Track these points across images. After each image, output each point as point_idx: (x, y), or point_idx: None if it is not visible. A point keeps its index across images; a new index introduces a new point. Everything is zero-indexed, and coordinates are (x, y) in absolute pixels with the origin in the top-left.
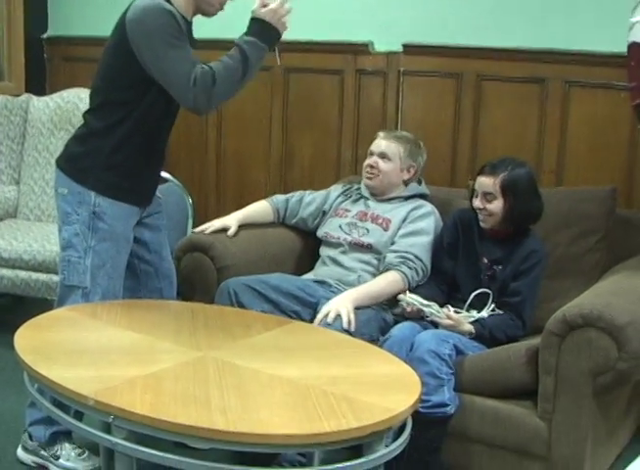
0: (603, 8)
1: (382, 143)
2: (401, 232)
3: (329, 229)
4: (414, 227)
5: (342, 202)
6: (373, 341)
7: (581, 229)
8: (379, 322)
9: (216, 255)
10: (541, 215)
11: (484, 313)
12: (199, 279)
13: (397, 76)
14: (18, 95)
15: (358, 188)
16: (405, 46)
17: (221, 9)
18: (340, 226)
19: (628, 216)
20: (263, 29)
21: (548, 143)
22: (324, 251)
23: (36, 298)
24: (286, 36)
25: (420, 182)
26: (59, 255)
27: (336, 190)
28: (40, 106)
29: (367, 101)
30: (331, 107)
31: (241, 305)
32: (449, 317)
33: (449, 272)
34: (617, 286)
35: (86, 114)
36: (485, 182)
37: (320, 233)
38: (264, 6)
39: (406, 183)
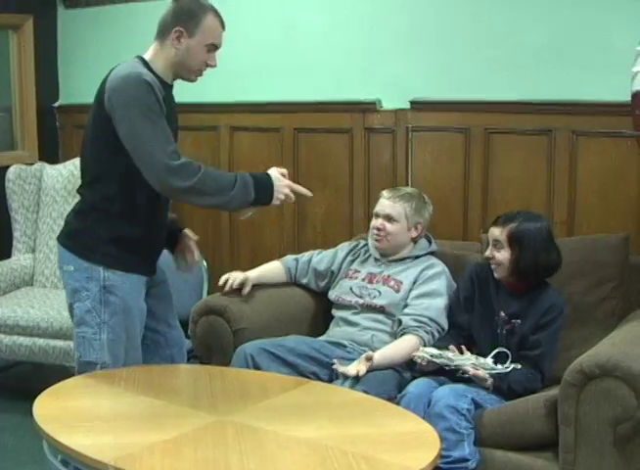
0: (607, 58)
1: (386, 204)
2: (414, 293)
3: (340, 292)
4: (427, 289)
5: (352, 261)
6: (390, 399)
7: (596, 278)
8: (396, 380)
9: (232, 317)
10: (557, 269)
11: (504, 369)
12: (215, 342)
13: (406, 133)
14: (31, 164)
15: (366, 245)
16: (412, 103)
17: (201, 75)
18: (350, 288)
19: None
20: (265, 187)
21: (558, 193)
22: (337, 312)
23: (54, 364)
24: (295, 97)
25: (429, 239)
26: (73, 331)
27: (343, 249)
28: (54, 174)
29: (377, 158)
30: (341, 165)
31: (258, 369)
32: (473, 371)
33: (465, 327)
34: (634, 334)
35: (81, 189)
36: (495, 231)
37: (332, 296)
38: (283, 175)
39: (415, 240)
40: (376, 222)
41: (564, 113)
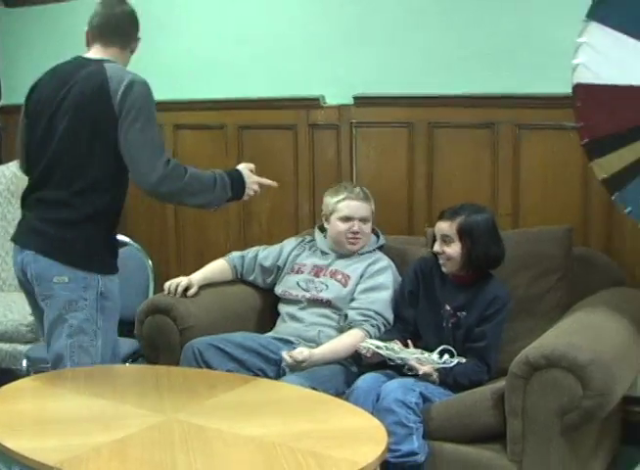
0: (548, 51)
1: (358, 206)
2: (360, 287)
3: (286, 287)
4: (373, 283)
5: (297, 256)
6: (339, 395)
7: (540, 269)
8: (344, 375)
9: (178, 316)
10: (502, 260)
11: (449, 363)
12: (162, 341)
13: (350, 128)
14: None
15: (312, 240)
16: (356, 98)
17: None
18: (297, 283)
19: (586, 255)
20: (238, 184)
21: (502, 186)
22: (283, 308)
23: (1, 368)
24: (238, 94)
25: (377, 233)
26: (62, 342)
27: (289, 244)
28: None
29: (321, 154)
30: (286, 162)
31: (207, 365)
32: (419, 367)
33: (411, 321)
34: (579, 324)
35: (64, 197)
36: (443, 226)
37: (278, 291)
38: (251, 170)
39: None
40: (352, 226)
41: (506, 106)
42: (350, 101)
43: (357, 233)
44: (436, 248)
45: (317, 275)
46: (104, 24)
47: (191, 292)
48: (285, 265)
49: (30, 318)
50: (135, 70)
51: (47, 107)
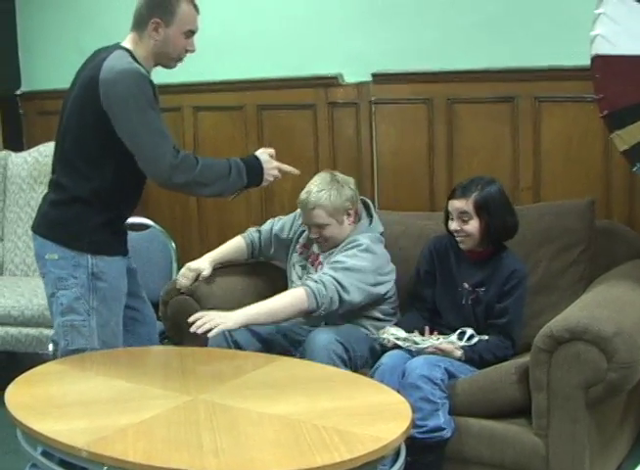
0: (566, 22)
1: (308, 215)
2: (330, 261)
3: (289, 268)
4: (336, 258)
5: (304, 231)
6: (366, 361)
7: (563, 243)
8: (369, 343)
9: (202, 296)
10: (517, 230)
11: (471, 340)
12: (186, 322)
13: (369, 106)
14: None
15: None
16: (374, 75)
17: (181, 61)
18: (294, 266)
19: (608, 227)
20: (255, 171)
21: (523, 160)
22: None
23: (27, 353)
24: (256, 74)
25: (371, 216)
26: (57, 320)
27: (300, 216)
28: (19, 161)
29: (341, 132)
30: (306, 141)
31: (236, 345)
32: (439, 349)
33: (429, 300)
34: (602, 297)
35: (61, 179)
36: (458, 204)
37: (287, 270)
38: (271, 155)
39: (355, 222)
40: (311, 234)
41: (526, 80)
42: (369, 78)
43: (319, 238)
44: (454, 226)
45: (312, 263)
46: (135, 10)
47: (205, 274)
48: (294, 238)
49: None
50: None
51: (67, 94)
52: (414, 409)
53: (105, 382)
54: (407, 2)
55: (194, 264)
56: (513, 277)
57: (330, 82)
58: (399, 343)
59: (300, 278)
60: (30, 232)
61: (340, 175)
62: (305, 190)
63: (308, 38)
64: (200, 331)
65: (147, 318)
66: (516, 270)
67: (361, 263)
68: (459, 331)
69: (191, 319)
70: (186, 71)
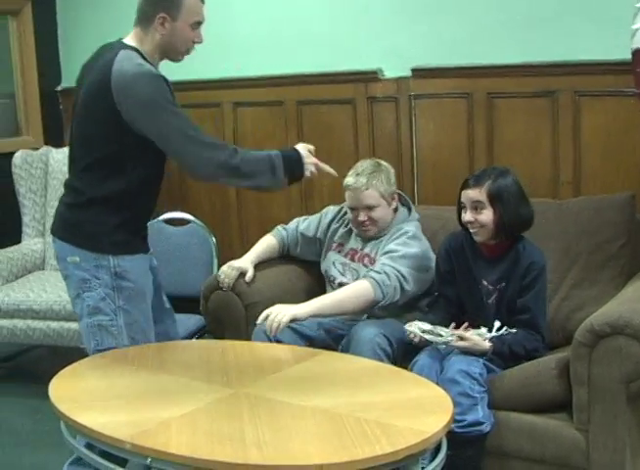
0: (606, 16)
1: (359, 195)
2: (383, 251)
3: (326, 265)
4: (389, 248)
5: (336, 230)
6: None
7: (603, 237)
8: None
9: (242, 292)
10: (532, 222)
11: (499, 331)
12: (227, 317)
13: (408, 101)
14: (37, 148)
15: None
16: (414, 70)
17: (189, 53)
18: (333, 263)
19: None
20: (295, 166)
21: (563, 155)
22: (328, 287)
23: (69, 347)
24: (295, 70)
25: (408, 205)
26: (84, 321)
27: (327, 215)
28: (59, 157)
29: (381, 127)
30: (345, 135)
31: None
32: (463, 338)
33: (454, 299)
34: None
35: (77, 182)
36: (472, 194)
37: (322, 268)
38: (310, 151)
39: (395, 210)
40: (358, 216)
41: (565, 74)
42: (408, 73)
43: (366, 222)
44: (468, 217)
45: (352, 259)
46: (137, 6)
47: (249, 276)
48: (325, 239)
49: None
50: (195, 50)
51: (77, 94)
52: (453, 404)
53: (147, 375)
54: None
55: (237, 263)
56: (531, 269)
57: (369, 77)
58: (425, 336)
59: (343, 274)
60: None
61: (383, 162)
62: (352, 174)
63: (348, 33)
64: (273, 334)
65: (164, 315)
66: (533, 262)
67: (413, 250)
68: (490, 327)
69: (259, 321)
70: (226, 67)
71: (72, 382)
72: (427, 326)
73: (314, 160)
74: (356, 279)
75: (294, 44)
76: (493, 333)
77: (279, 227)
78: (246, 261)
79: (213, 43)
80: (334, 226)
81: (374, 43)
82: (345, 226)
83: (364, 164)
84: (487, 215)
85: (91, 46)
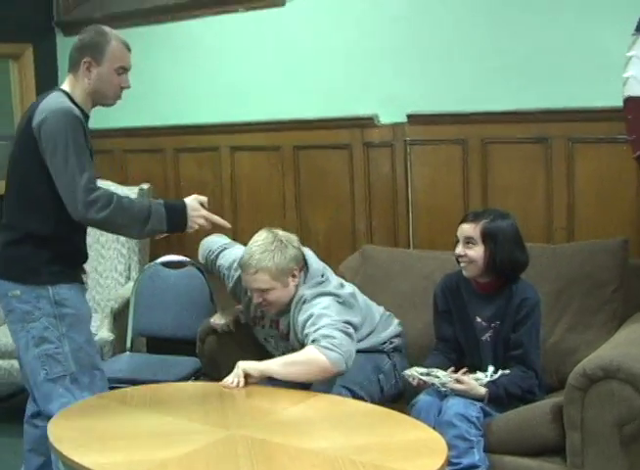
0: (598, 64)
1: (249, 279)
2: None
3: (259, 339)
4: (301, 320)
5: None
6: (371, 383)
7: (596, 281)
8: (372, 362)
9: (238, 334)
10: (526, 267)
11: (493, 376)
12: (223, 359)
13: (404, 146)
14: None
15: None
16: (409, 116)
17: (119, 98)
18: (265, 339)
19: None
20: (178, 218)
21: (557, 200)
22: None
23: None
24: (292, 115)
25: (322, 273)
26: (31, 353)
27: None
28: None
29: (376, 172)
30: (342, 180)
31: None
32: (460, 381)
33: (452, 339)
34: (636, 335)
35: (11, 219)
36: (466, 228)
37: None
38: (202, 203)
39: (297, 285)
40: (254, 299)
41: (559, 120)
42: (404, 119)
43: (261, 304)
44: (458, 250)
45: (278, 328)
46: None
47: (242, 321)
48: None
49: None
50: (193, 95)
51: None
52: (449, 447)
53: (145, 416)
54: (442, 44)
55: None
56: (523, 306)
57: (365, 123)
58: (423, 378)
59: (277, 350)
60: (99, 268)
61: (282, 233)
62: (246, 250)
63: (344, 79)
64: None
65: None
66: (526, 298)
67: (322, 305)
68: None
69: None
70: (224, 112)
71: (71, 422)
72: (422, 369)
73: (204, 213)
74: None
75: (290, 90)
76: (488, 378)
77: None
78: (238, 307)
79: (211, 88)
80: (245, 298)
81: (370, 89)
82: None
83: (259, 241)
84: (477, 252)
85: None
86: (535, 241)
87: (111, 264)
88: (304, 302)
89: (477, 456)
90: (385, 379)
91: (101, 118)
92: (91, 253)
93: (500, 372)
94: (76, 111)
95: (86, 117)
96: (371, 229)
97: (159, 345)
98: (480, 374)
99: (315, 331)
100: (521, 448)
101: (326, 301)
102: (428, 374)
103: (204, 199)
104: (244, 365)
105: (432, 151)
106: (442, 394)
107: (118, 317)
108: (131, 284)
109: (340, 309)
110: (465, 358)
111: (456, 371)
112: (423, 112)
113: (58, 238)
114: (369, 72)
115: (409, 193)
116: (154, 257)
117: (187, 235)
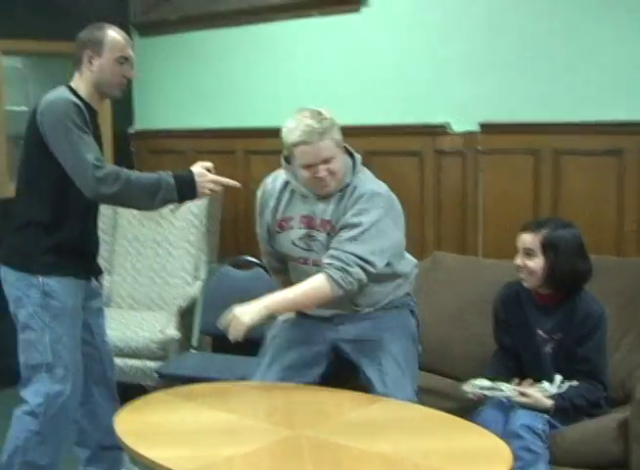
0: None
1: (317, 150)
2: (340, 224)
3: (284, 249)
4: (347, 222)
5: (275, 207)
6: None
7: None
8: (409, 336)
9: None
10: (589, 277)
11: (561, 386)
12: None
13: (476, 155)
14: None
15: (286, 182)
16: (482, 125)
17: (123, 87)
18: (293, 243)
19: None
20: (187, 185)
21: (628, 214)
22: (293, 273)
23: (132, 384)
24: (365, 121)
25: (350, 153)
26: (18, 337)
27: (267, 201)
28: None
29: (447, 180)
30: (412, 187)
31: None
32: (525, 394)
33: (511, 348)
34: None
35: (18, 206)
36: (526, 238)
37: (281, 252)
38: (208, 169)
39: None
40: (317, 173)
41: (633, 133)
42: (477, 128)
43: (324, 178)
44: (518, 261)
45: (309, 226)
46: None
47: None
48: (271, 222)
49: (160, 336)
50: (268, 97)
51: None
52: (515, 458)
53: (210, 413)
54: (516, 54)
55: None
56: (588, 321)
57: (438, 131)
58: (485, 392)
59: (308, 249)
60: (138, 265)
61: (322, 111)
62: (295, 129)
63: (418, 87)
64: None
65: (104, 357)
66: (590, 313)
67: (373, 217)
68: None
69: (222, 327)
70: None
71: (137, 416)
72: (486, 383)
73: (211, 176)
74: (320, 251)
75: (364, 96)
76: (555, 389)
77: (265, 261)
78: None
79: (270, 92)
80: (272, 204)
81: (443, 97)
82: (289, 194)
83: (306, 113)
84: (537, 263)
85: (166, 90)
86: (606, 253)
87: (179, 263)
88: (361, 196)
89: (542, 468)
90: (418, 346)
91: (175, 119)
92: (160, 251)
93: (567, 384)
94: (74, 99)
95: (93, 111)
96: (439, 237)
97: (224, 345)
98: (546, 384)
99: (338, 258)
100: (585, 462)
101: (377, 214)
102: (492, 388)
103: (209, 164)
104: (248, 323)
105: (503, 160)
106: (507, 404)
107: (185, 316)
108: (199, 283)
109: (384, 227)
110: (525, 368)
111: (520, 382)
112: (495, 121)
113: (55, 227)
114: (443, 80)
115: (479, 202)
116: (222, 257)
117: (255, 236)
